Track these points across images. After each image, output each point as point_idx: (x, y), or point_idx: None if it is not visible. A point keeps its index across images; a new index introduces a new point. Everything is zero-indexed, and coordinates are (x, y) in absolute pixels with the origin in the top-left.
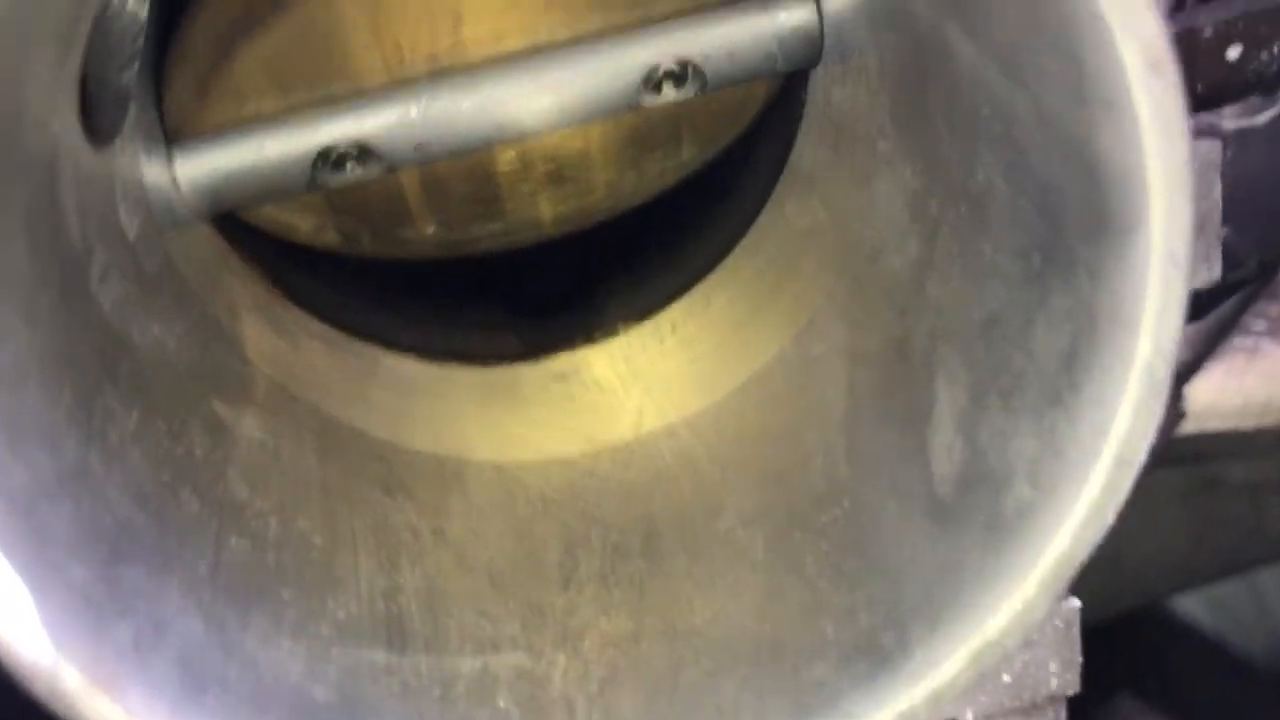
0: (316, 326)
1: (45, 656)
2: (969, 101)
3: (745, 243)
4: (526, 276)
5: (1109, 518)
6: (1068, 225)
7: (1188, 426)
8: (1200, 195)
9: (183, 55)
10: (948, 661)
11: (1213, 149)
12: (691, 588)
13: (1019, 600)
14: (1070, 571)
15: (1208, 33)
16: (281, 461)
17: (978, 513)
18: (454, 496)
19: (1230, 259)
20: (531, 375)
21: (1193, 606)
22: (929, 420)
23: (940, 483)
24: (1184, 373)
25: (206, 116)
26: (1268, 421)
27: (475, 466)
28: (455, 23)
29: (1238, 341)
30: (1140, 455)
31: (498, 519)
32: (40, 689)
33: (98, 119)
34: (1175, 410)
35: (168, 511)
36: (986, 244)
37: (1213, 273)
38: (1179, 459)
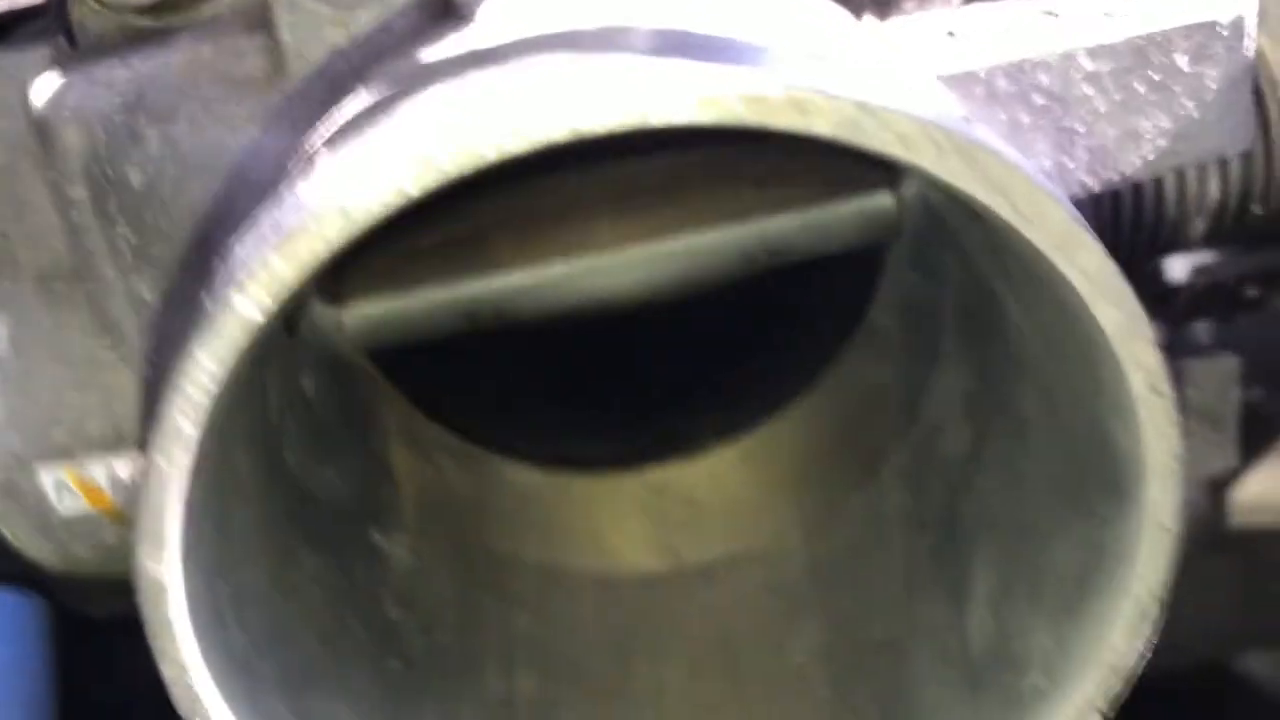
0: (449, 440)
1: None
2: (1015, 345)
3: (826, 383)
4: (630, 383)
5: (1101, 709)
6: (1088, 475)
7: (1236, 519)
8: (1219, 398)
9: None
10: None
11: (1232, 362)
12: (763, 713)
13: None
14: None
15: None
16: (425, 580)
17: (1001, 688)
18: (561, 606)
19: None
20: (629, 487)
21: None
22: (970, 597)
23: (974, 655)
24: (1228, 476)
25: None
26: None
27: (580, 579)
28: (585, 224)
29: None
30: (1130, 665)
31: (599, 630)
32: None
33: (290, 316)
34: (1219, 505)
35: (340, 642)
36: (1026, 462)
37: (1229, 461)
38: (1229, 546)
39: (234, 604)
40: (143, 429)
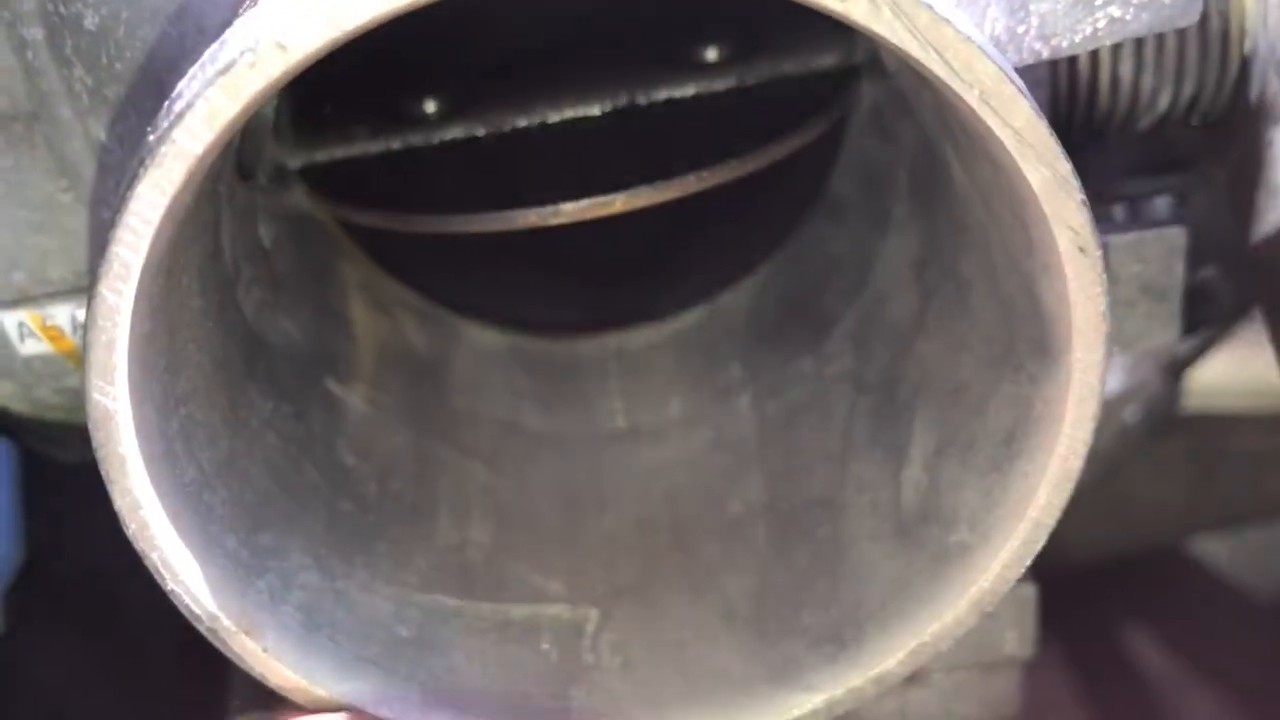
0: (410, 298)
1: (208, 608)
2: (960, 209)
3: (786, 252)
4: (594, 253)
5: (1025, 564)
6: (1019, 334)
7: (1193, 403)
8: (1165, 272)
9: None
10: (892, 657)
11: (1179, 234)
12: (703, 563)
13: (951, 616)
14: (995, 598)
15: None
16: (381, 430)
17: (930, 543)
18: (518, 461)
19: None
20: (588, 351)
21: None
22: (905, 456)
23: (906, 511)
24: (1184, 360)
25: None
26: (1265, 403)
27: (537, 436)
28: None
29: (1243, 331)
30: (1053, 520)
31: (552, 484)
32: (204, 630)
33: (244, 161)
34: (1175, 392)
35: (293, 482)
36: (964, 324)
37: (1170, 334)
38: (1185, 429)
39: (184, 438)
40: (92, 266)
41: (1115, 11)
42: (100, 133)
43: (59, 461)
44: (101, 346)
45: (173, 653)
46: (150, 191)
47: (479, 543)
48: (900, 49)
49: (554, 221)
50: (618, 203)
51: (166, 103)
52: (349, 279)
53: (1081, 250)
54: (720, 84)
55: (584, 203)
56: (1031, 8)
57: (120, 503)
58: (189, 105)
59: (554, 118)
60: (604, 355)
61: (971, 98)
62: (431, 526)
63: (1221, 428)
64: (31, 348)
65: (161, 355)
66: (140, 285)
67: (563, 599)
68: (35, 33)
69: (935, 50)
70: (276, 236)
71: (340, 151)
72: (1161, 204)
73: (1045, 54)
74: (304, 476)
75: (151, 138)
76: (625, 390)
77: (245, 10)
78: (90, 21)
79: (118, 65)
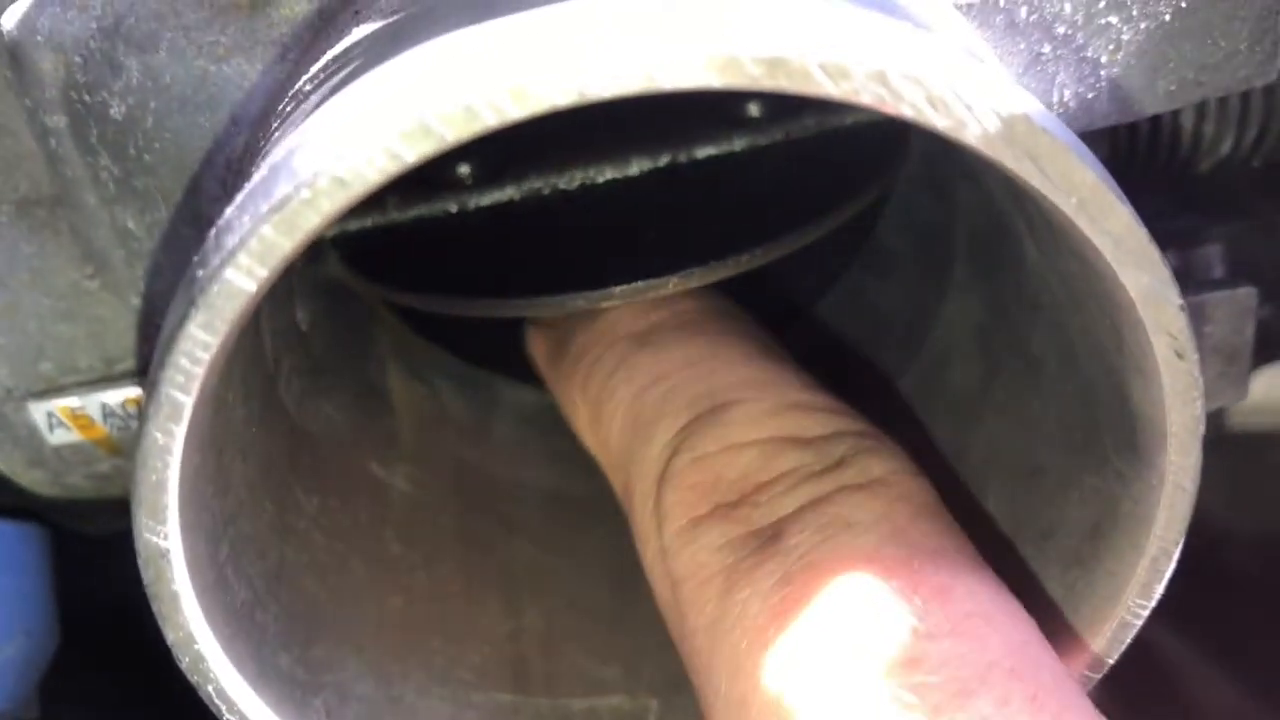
0: (446, 361)
1: None
2: (1033, 286)
3: (828, 300)
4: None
5: (1110, 661)
6: (1104, 428)
7: (1234, 419)
8: (1236, 333)
9: None
10: None
11: (1249, 295)
12: None
13: None
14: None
15: None
16: (426, 511)
17: None
18: (565, 534)
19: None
20: None
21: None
22: (975, 537)
23: None
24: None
25: None
26: None
27: (582, 504)
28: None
29: None
30: (1140, 621)
31: (602, 557)
32: None
33: None
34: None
35: (342, 583)
36: (1038, 402)
37: (1241, 394)
38: (1224, 445)
39: (234, 559)
40: (140, 364)
41: (1189, 74)
42: (128, 221)
43: (87, 535)
44: (151, 487)
45: None
46: (201, 331)
47: (532, 629)
48: (994, 159)
49: (604, 305)
50: (671, 284)
51: (213, 231)
52: (385, 348)
53: (1179, 355)
54: (765, 138)
55: (636, 284)
56: (1102, 74)
57: (174, 638)
58: (241, 242)
59: (591, 177)
60: None
61: (1068, 206)
62: (483, 614)
63: (1261, 443)
64: (61, 437)
65: (210, 481)
66: (190, 426)
67: (620, 688)
68: (58, 120)
69: (1031, 159)
70: (313, 317)
71: (373, 219)
72: (1214, 253)
73: (1115, 119)
74: (352, 575)
75: (200, 273)
76: None
77: (289, 115)
78: (116, 111)
79: (146, 156)
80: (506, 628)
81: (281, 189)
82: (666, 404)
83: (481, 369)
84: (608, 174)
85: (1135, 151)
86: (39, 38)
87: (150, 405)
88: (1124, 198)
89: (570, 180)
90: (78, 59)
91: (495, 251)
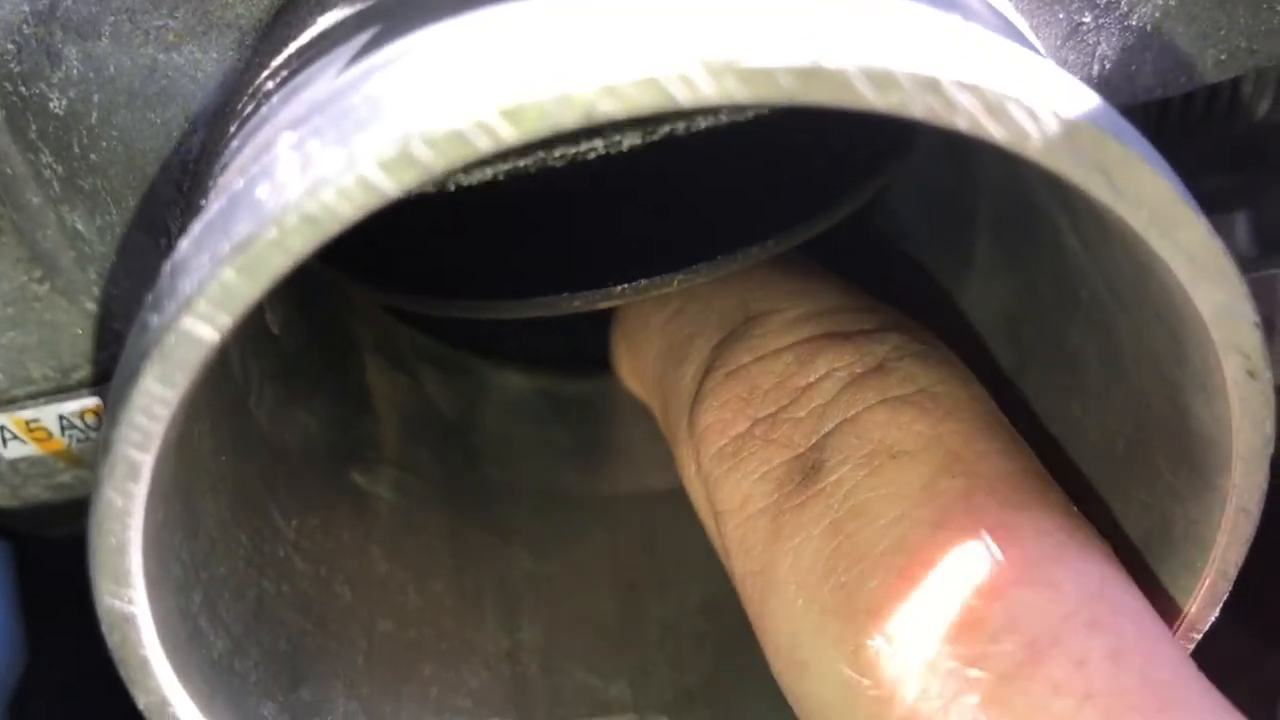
0: (429, 347)
1: None
2: (1071, 280)
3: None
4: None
5: None
6: (1155, 441)
7: None
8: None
9: None
10: None
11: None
12: None
13: None
14: None
15: None
16: (413, 522)
17: None
18: (563, 539)
19: None
20: (623, 393)
21: None
22: None
23: None
24: None
25: None
26: None
27: (580, 503)
28: None
29: None
30: (1194, 642)
31: (604, 564)
32: None
33: None
34: None
35: (327, 611)
36: (1077, 405)
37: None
38: None
39: (209, 608)
40: (97, 372)
41: (1241, 42)
42: (77, 222)
43: (46, 538)
44: (110, 551)
45: None
46: (158, 384)
47: (532, 645)
48: (1058, 172)
49: (603, 305)
50: (675, 282)
51: (168, 266)
52: (364, 341)
53: (1251, 375)
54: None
55: (639, 283)
56: (1147, 44)
57: (145, 702)
58: (200, 287)
59: (582, 153)
60: None
61: (1138, 220)
62: (478, 633)
63: None
64: (17, 450)
65: (178, 527)
66: (152, 482)
67: (628, 707)
68: None
69: (1100, 171)
70: (284, 317)
71: None
72: (1241, 221)
73: (1160, 93)
74: (338, 601)
75: (155, 319)
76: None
77: (249, 128)
78: (56, 104)
79: (93, 155)
80: (504, 645)
81: (244, 225)
82: (699, 322)
83: (467, 353)
84: (599, 148)
85: (1168, 108)
86: None
87: (104, 465)
88: (1198, 208)
89: (560, 158)
90: (10, 46)
91: (491, 249)
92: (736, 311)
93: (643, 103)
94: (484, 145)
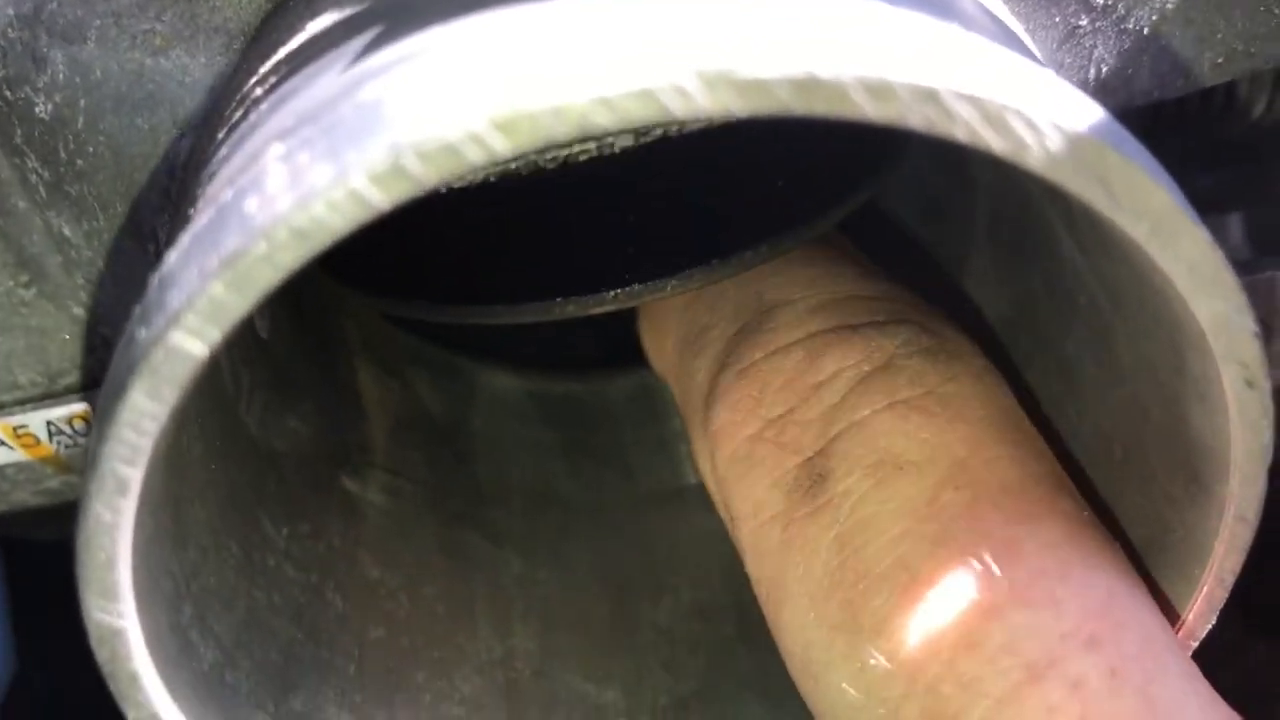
0: (419, 348)
1: None
2: (1068, 284)
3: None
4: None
5: None
6: (1151, 447)
7: None
8: (1273, 314)
9: None
10: None
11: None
12: (776, 658)
13: None
14: None
15: None
16: (404, 527)
17: None
18: (555, 543)
19: None
20: (618, 392)
21: None
22: None
23: None
24: None
25: None
26: None
27: (573, 506)
28: None
29: None
30: (1200, 638)
31: (597, 568)
32: None
33: None
34: None
35: (319, 619)
36: (1073, 408)
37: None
38: None
39: (199, 620)
40: (85, 378)
41: (1239, 45)
42: (64, 228)
43: (35, 541)
44: (99, 566)
45: None
46: (146, 399)
47: (525, 651)
48: (1057, 183)
49: (596, 310)
50: (669, 287)
51: (155, 279)
52: (353, 341)
53: (1249, 384)
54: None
55: (633, 288)
56: (1144, 47)
57: (135, 717)
58: (189, 301)
59: (574, 155)
60: (636, 395)
61: (1139, 232)
62: (470, 639)
63: None
64: (4, 457)
65: (167, 540)
66: (141, 495)
67: (622, 713)
68: None
69: (1100, 183)
70: (273, 321)
71: None
72: (1235, 223)
73: (1157, 95)
74: (329, 609)
75: (143, 333)
76: (667, 438)
77: (237, 136)
78: (42, 109)
79: (79, 161)
80: (497, 652)
81: (233, 239)
82: (715, 312)
83: (457, 354)
84: (591, 150)
85: (1161, 111)
86: None
87: (93, 481)
88: (1198, 218)
89: (552, 160)
90: None
91: (482, 251)
92: (751, 301)
93: (637, 114)
94: (476, 158)
